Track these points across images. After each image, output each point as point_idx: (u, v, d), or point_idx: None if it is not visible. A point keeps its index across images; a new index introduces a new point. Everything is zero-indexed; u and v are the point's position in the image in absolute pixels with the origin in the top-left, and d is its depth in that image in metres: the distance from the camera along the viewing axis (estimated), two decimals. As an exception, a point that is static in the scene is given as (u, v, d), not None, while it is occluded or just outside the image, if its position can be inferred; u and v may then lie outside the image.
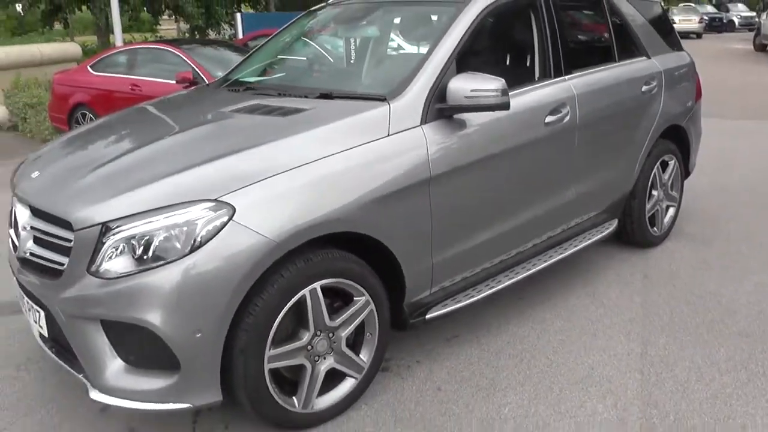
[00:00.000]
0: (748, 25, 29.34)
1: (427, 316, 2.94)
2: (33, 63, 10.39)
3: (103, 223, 2.31)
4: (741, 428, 2.58)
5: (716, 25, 32.91)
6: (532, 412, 2.72)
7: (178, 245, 2.25)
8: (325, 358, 2.61)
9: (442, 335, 3.33)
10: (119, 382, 2.37)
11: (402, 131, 2.75)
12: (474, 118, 2.97)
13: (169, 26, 26.40)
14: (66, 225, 2.40)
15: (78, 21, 27.36)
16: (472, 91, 2.79)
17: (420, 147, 2.77)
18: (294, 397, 2.57)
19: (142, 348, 2.35)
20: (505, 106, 2.84)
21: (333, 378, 2.69)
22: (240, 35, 13.14)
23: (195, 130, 2.93)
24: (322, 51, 4.11)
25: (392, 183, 2.65)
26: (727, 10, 35.16)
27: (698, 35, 29.36)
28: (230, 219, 2.28)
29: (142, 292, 2.24)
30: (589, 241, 3.78)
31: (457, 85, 2.82)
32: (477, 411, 2.74)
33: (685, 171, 4.74)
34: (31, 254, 2.59)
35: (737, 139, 7.79)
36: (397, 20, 3.85)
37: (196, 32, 15.70)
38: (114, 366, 2.38)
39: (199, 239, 2.25)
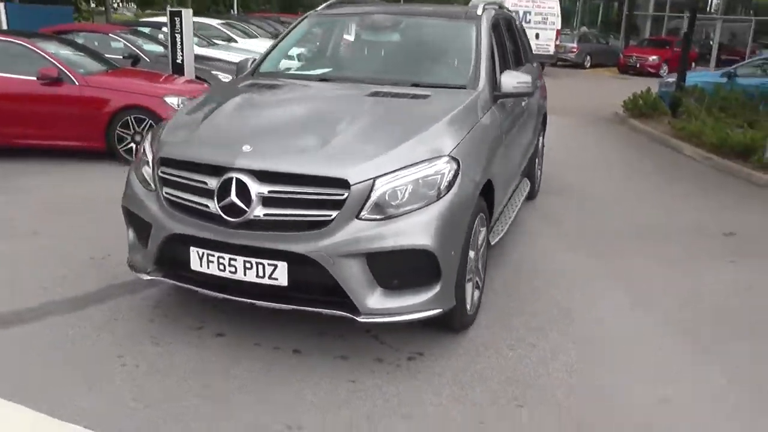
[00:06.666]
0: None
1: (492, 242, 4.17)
2: None
3: (374, 178, 3.03)
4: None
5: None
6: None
7: (434, 190, 3.09)
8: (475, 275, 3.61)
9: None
10: (382, 304, 3.07)
11: (489, 109, 4.01)
12: (507, 101, 4.33)
13: None
14: (337, 184, 3.00)
15: None
16: (518, 83, 4.11)
17: (495, 120, 4.05)
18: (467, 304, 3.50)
19: (402, 273, 3.09)
20: (532, 93, 4.31)
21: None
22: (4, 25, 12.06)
23: (372, 110, 3.69)
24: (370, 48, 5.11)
25: (495, 142, 3.91)
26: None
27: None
28: (459, 169, 3.21)
29: (416, 225, 3.02)
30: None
31: (507, 79, 4.11)
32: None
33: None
34: (265, 215, 3.04)
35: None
36: (425, 29, 4.91)
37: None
38: (376, 292, 3.06)
39: (445, 183, 3.13)
